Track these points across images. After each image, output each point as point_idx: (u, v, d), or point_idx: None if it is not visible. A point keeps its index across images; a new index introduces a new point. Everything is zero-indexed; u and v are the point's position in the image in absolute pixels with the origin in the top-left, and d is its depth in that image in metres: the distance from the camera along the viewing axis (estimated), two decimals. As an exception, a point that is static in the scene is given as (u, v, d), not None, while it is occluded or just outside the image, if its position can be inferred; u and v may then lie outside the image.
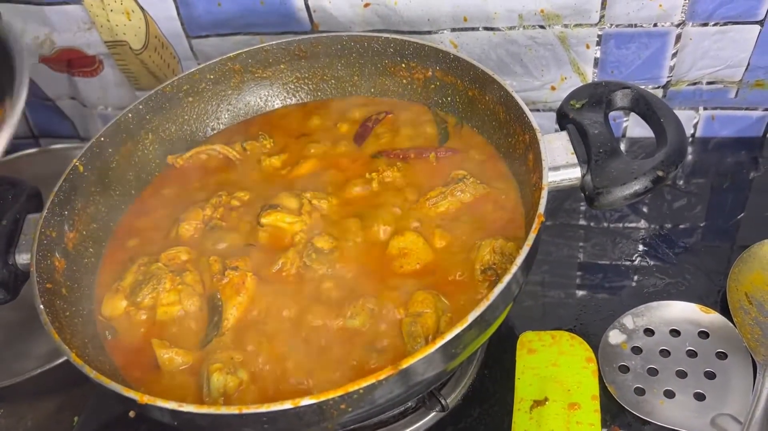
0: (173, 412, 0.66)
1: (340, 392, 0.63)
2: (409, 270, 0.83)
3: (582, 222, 1.15)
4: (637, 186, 0.78)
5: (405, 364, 0.64)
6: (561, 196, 1.17)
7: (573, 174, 0.81)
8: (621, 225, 1.12)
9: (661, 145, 0.81)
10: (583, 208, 1.16)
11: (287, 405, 0.63)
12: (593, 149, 0.81)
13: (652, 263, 1.05)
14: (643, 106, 0.85)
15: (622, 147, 1.26)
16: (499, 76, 0.89)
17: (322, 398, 0.63)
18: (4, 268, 0.84)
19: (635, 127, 1.24)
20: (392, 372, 0.64)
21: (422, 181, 0.93)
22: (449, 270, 0.82)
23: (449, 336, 0.65)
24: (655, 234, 1.10)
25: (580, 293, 1.03)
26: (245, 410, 0.63)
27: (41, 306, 0.76)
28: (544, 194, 0.76)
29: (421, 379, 0.69)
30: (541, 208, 0.75)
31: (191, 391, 0.77)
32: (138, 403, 0.66)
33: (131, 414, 0.92)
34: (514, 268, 0.70)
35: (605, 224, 1.13)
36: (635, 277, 1.04)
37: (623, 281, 1.04)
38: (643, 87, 0.87)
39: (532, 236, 0.72)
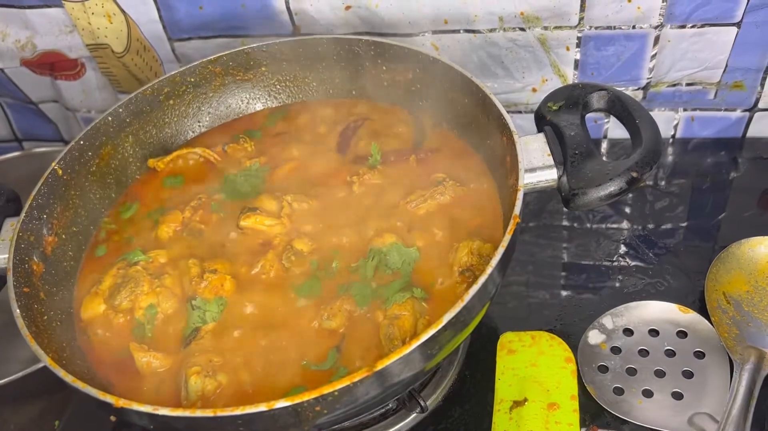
0: (150, 415, 0.66)
1: (314, 394, 0.63)
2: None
3: (565, 223, 1.15)
4: (612, 187, 0.78)
5: (380, 366, 0.64)
6: (544, 197, 1.17)
7: (549, 175, 0.81)
8: (603, 225, 1.13)
9: (636, 146, 0.81)
10: (566, 209, 1.16)
11: (262, 407, 0.63)
12: (569, 151, 0.81)
13: (632, 263, 1.05)
14: (619, 108, 0.86)
15: (603, 148, 1.26)
16: (477, 79, 0.89)
17: (297, 400, 0.63)
18: (-20, 272, 0.83)
19: (616, 129, 1.24)
20: (367, 373, 0.64)
21: (402, 183, 0.93)
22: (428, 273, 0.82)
23: (424, 337, 0.66)
24: (636, 234, 1.10)
25: (562, 294, 1.04)
26: (220, 413, 0.63)
27: (17, 311, 0.75)
28: (520, 195, 0.76)
29: (397, 380, 0.69)
30: (517, 210, 0.75)
31: (170, 394, 0.77)
32: (114, 407, 0.66)
33: (112, 418, 0.92)
34: (489, 269, 0.70)
35: (588, 225, 1.13)
36: (617, 278, 1.04)
37: (605, 282, 1.04)
38: (622, 89, 0.88)
39: (507, 237, 0.73)
